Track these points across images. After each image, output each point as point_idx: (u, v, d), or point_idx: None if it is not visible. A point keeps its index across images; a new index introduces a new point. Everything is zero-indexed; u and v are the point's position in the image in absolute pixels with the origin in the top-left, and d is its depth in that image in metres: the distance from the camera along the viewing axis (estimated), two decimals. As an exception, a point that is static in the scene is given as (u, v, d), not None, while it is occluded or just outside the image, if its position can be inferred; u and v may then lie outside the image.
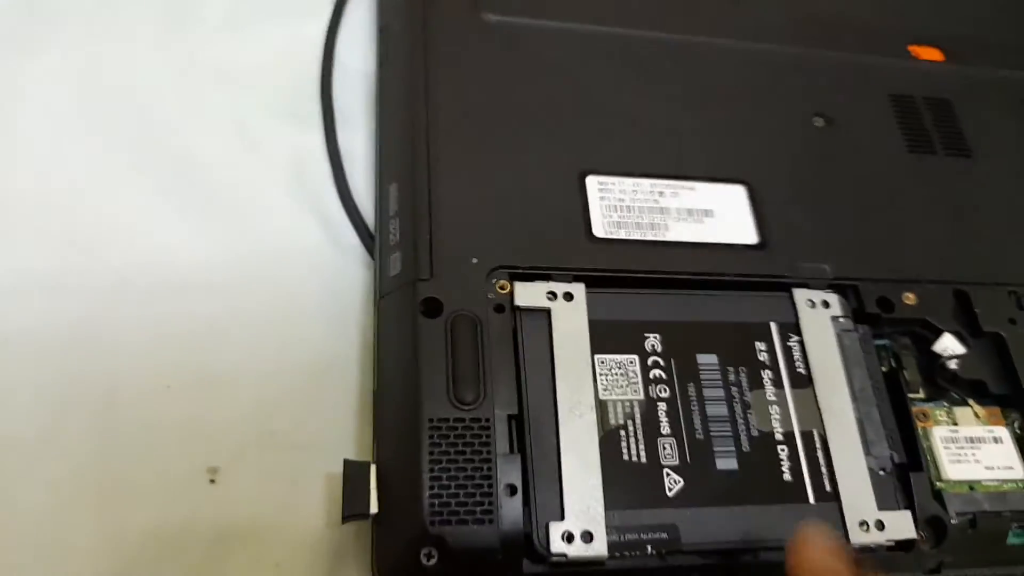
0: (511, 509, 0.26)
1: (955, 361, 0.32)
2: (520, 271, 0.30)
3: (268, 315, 0.32)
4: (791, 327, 0.31)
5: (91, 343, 0.30)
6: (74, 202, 0.33)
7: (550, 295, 0.29)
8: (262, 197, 0.35)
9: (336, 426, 0.30)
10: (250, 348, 0.31)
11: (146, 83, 0.36)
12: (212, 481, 0.28)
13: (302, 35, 0.39)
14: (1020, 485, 0.31)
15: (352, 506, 0.26)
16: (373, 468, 0.27)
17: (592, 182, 0.33)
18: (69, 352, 0.30)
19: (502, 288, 0.29)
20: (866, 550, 0.28)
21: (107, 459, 0.28)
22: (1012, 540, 0.30)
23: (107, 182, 0.34)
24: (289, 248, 0.33)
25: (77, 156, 0.34)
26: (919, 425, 0.31)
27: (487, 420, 0.27)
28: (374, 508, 0.26)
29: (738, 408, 0.29)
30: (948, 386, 0.32)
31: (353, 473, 0.26)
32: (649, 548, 0.26)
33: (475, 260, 0.29)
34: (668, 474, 0.27)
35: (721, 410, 0.29)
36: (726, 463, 0.28)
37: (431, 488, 0.25)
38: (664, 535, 0.27)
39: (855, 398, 0.30)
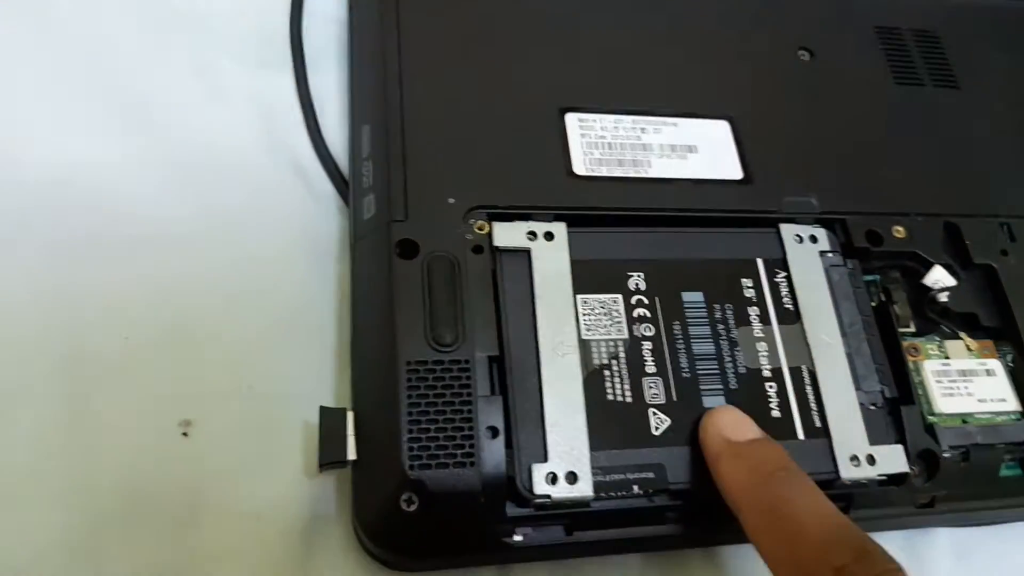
0: (493, 452, 0.25)
1: (946, 294, 0.31)
2: (499, 211, 0.29)
3: (241, 265, 0.31)
4: (778, 263, 0.30)
5: (58, 299, 0.29)
6: (35, 153, 0.32)
7: (530, 235, 0.28)
8: (231, 145, 0.33)
9: (313, 375, 0.29)
10: (223, 299, 0.30)
11: (108, 31, 0.35)
12: (185, 434, 0.28)
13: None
14: (1013, 417, 0.30)
15: (329, 453, 0.25)
16: (350, 414, 0.26)
17: (572, 119, 0.32)
18: (37, 307, 0.29)
19: (480, 228, 0.28)
20: (858, 485, 0.27)
21: (76, 415, 0.27)
22: (1005, 472, 0.30)
23: (70, 133, 0.32)
24: (261, 196, 0.32)
25: (38, 106, 0.33)
26: (910, 359, 0.30)
27: (466, 362, 0.26)
28: (351, 455, 0.25)
29: (725, 345, 0.28)
30: (939, 320, 0.32)
31: (329, 420, 0.26)
32: (635, 488, 0.26)
33: (452, 201, 0.28)
34: (654, 413, 0.27)
35: (707, 348, 0.28)
36: (713, 401, 0.27)
37: (410, 432, 0.25)
38: (650, 474, 0.26)
39: (844, 333, 0.29)
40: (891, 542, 0.30)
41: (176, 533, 0.26)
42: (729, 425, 0.26)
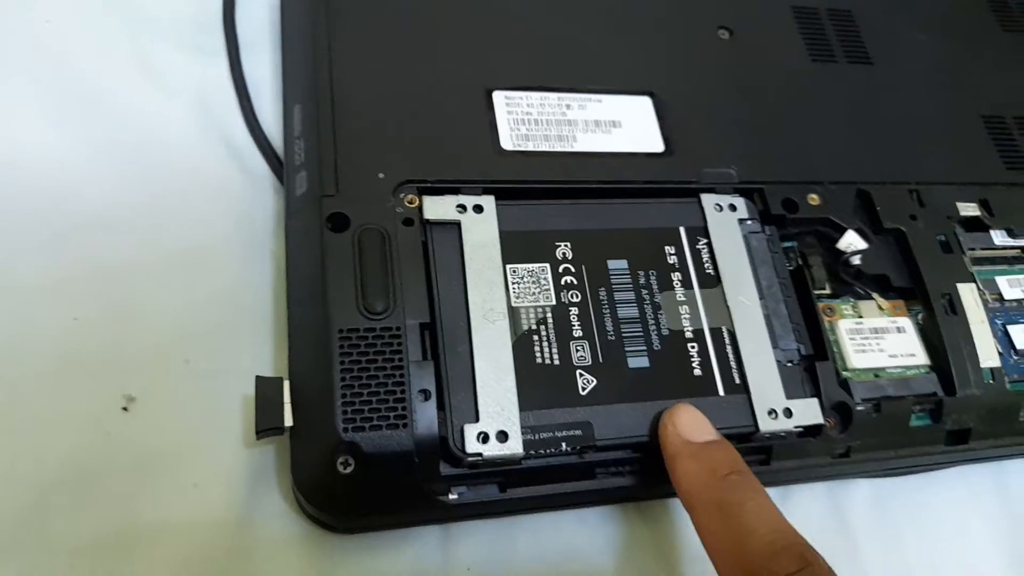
0: (425, 414, 0.26)
1: (858, 256, 0.33)
2: (428, 185, 0.30)
3: (179, 245, 0.31)
4: (700, 231, 0.32)
5: (2, 278, 0.29)
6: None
7: (460, 208, 0.29)
8: (169, 128, 0.34)
9: (251, 351, 0.30)
10: (162, 278, 0.31)
11: (46, 17, 0.35)
12: (125, 409, 0.28)
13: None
14: (922, 371, 0.32)
15: (265, 420, 0.26)
16: (286, 383, 0.27)
17: (499, 96, 0.33)
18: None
19: (410, 202, 0.29)
20: (776, 437, 0.29)
21: (18, 393, 0.28)
22: (915, 422, 0.32)
23: (10, 117, 0.33)
24: (198, 178, 0.33)
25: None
26: (826, 319, 0.32)
27: (398, 328, 0.27)
28: (288, 421, 0.26)
29: (648, 309, 0.30)
30: (852, 281, 0.33)
31: (265, 388, 0.26)
32: (564, 445, 0.27)
33: (382, 175, 0.29)
34: (581, 374, 0.28)
35: (632, 312, 0.30)
36: (638, 361, 0.29)
37: (343, 396, 0.25)
38: (578, 432, 0.27)
39: (762, 296, 0.31)
40: (813, 492, 0.33)
41: (120, 504, 0.27)
42: (687, 425, 0.27)
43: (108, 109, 0.34)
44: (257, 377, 0.27)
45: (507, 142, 0.32)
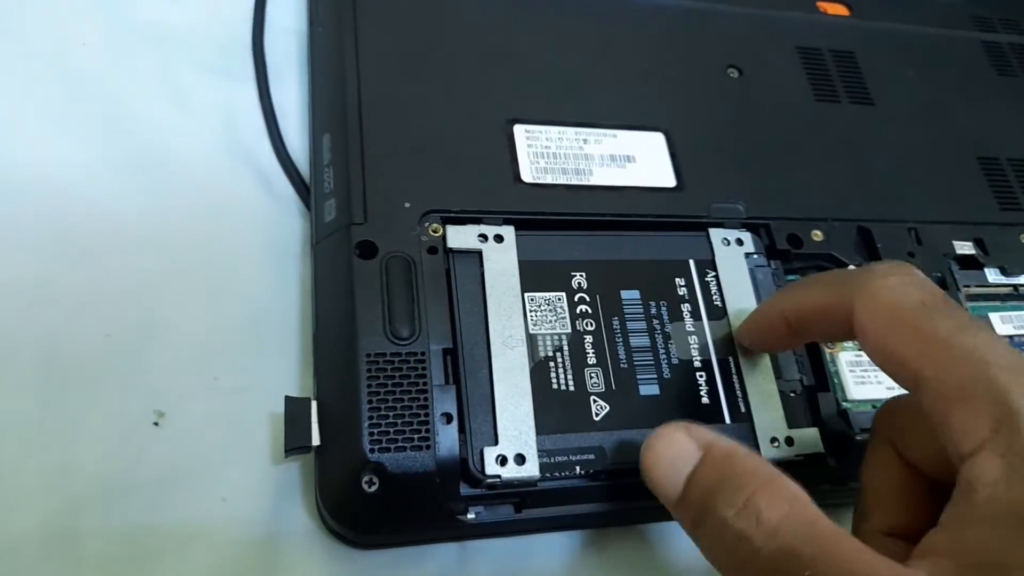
0: (447, 436, 0.27)
1: (859, 292, 0.34)
2: (452, 215, 0.31)
3: (207, 265, 0.32)
4: (708, 264, 0.33)
5: (27, 299, 0.30)
6: (8, 157, 0.33)
7: (481, 237, 0.31)
8: (197, 151, 0.35)
9: (278, 370, 0.31)
10: (190, 297, 0.32)
11: (78, 40, 0.36)
12: (156, 424, 0.29)
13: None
14: (917, 403, 0.33)
15: (294, 439, 0.27)
16: (314, 403, 0.28)
17: (519, 130, 0.34)
18: (4, 309, 0.30)
19: (435, 231, 0.30)
20: (778, 464, 0.30)
21: (50, 407, 0.29)
22: (910, 453, 0.33)
23: (37, 139, 0.34)
24: (227, 200, 0.34)
25: (11, 112, 0.34)
26: (827, 351, 0.33)
27: (422, 353, 0.28)
28: (316, 440, 0.27)
29: (659, 339, 0.31)
30: (853, 315, 0.35)
31: (294, 408, 0.28)
32: (578, 469, 0.28)
33: (408, 205, 0.31)
34: (595, 400, 0.29)
35: (643, 341, 0.31)
36: (649, 389, 0.30)
37: (370, 418, 0.27)
38: (591, 456, 0.28)
39: (767, 327, 0.32)
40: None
41: (149, 516, 0.28)
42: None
43: (138, 131, 0.35)
44: (286, 397, 0.28)
45: (527, 174, 0.33)
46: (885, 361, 0.23)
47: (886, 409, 0.27)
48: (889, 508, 0.25)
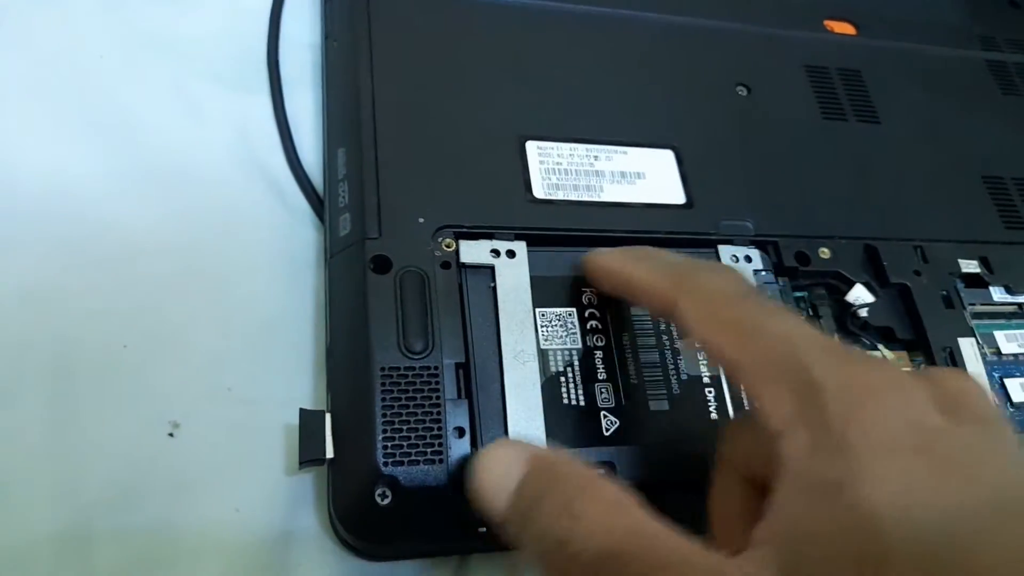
0: (460, 449, 0.28)
1: (865, 309, 0.35)
2: (465, 230, 0.31)
3: (220, 276, 0.33)
4: (717, 280, 0.33)
5: (43, 307, 0.31)
6: (17, 170, 0.33)
7: (493, 252, 0.31)
8: (211, 162, 0.35)
9: (291, 382, 0.31)
10: (204, 308, 0.32)
11: (93, 52, 0.37)
12: (171, 435, 0.29)
13: (243, 8, 0.40)
14: (923, 421, 0.33)
15: (308, 451, 0.27)
16: (328, 416, 0.28)
17: (531, 147, 0.34)
18: (19, 316, 0.30)
19: (448, 246, 0.31)
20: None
21: (64, 417, 0.29)
22: (915, 469, 0.33)
23: (50, 149, 0.34)
24: (240, 211, 0.34)
25: (27, 122, 0.34)
26: (833, 368, 0.34)
27: (435, 368, 0.28)
28: (329, 453, 0.28)
29: (669, 355, 0.31)
30: (859, 332, 0.35)
31: (308, 421, 0.28)
32: (588, 483, 0.28)
33: (421, 220, 0.31)
34: (605, 416, 0.30)
35: (653, 357, 0.31)
36: (658, 404, 0.30)
37: (384, 431, 0.27)
38: (602, 471, 0.29)
39: (775, 344, 0.33)
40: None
41: (163, 526, 0.28)
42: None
43: (153, 142, 0.35)
44: (301, 410, 0.28)
45: (539, 191, 0.33)
46: (706, 349, 0.24)
47: (724, 433, 0.26)
48: (736, 529, 0.24)
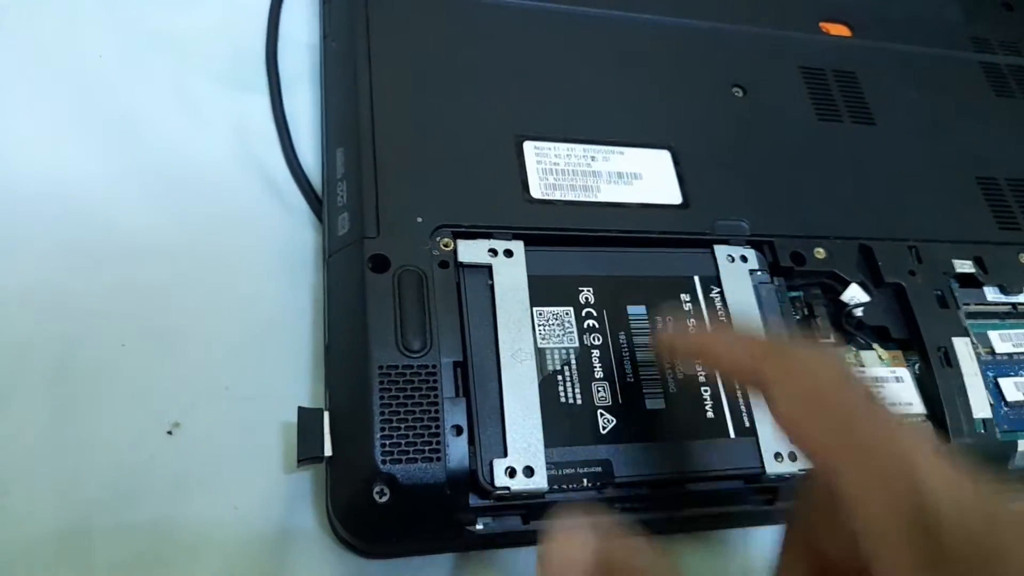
0: (457, 448, 0.28)
1: (860, 309, 0.35)
2: (462, 229, 0.31)
3: (219, 275, 0.33)
4: (713, 280, 0.34)
5: (43, 307, 0.31)
6: (24, 166, 0.33)
7: (491, 252, 0.31)
8: (210, 161, 0.35)
9: (289, 380, 0.32)
10: (202, 307, 0.32)
11: (92, 51, 0.37)
12: (170, 433, 0.30)
13: (242, 7, 0.40)
14: (919, 420, 0.34)
15: (306, 449, 0.28)
16: (326, 414, 0.28)
17: (529, 147, 0.34)
18: (20, 316, 0.31)
19: (446, 245, 0.31)
20: (781, 479, 0.31)
21: (63, 416, 0.29)
22: (910, 468, 0.33)
23: (50, 149, 0.34)
24: (238, 210, 0.35)
25: (27, 122, 0.35)
26: (829, 367, 0.34)
27: (434, 366, 0.28)
28: (328, 451, 0.28)
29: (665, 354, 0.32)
30: (855, 332, 0.35)
31: (307, 419, 0.28)
32: (585, 481, 0.28)
33: (420, 219, 0.31)
34: (602, 414, 0.30)
35: (649, 356, 0.31)
36: (654, 403, 0.30)
37: (382, 430, 0.27)
38: (599, 469, 0.29)
39: (771, 343, 0.33)
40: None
41: (162, 524, 0.28)
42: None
43: (152, 141, 0.36)
44: (299, 408, 0.28)
45: (536, 191, 0.33)
46: (789, 432, 0.21)
47: (798, 501, 0.24)
48: None
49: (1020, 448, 0.34)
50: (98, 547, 0.28)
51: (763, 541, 0.32)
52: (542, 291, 0.31)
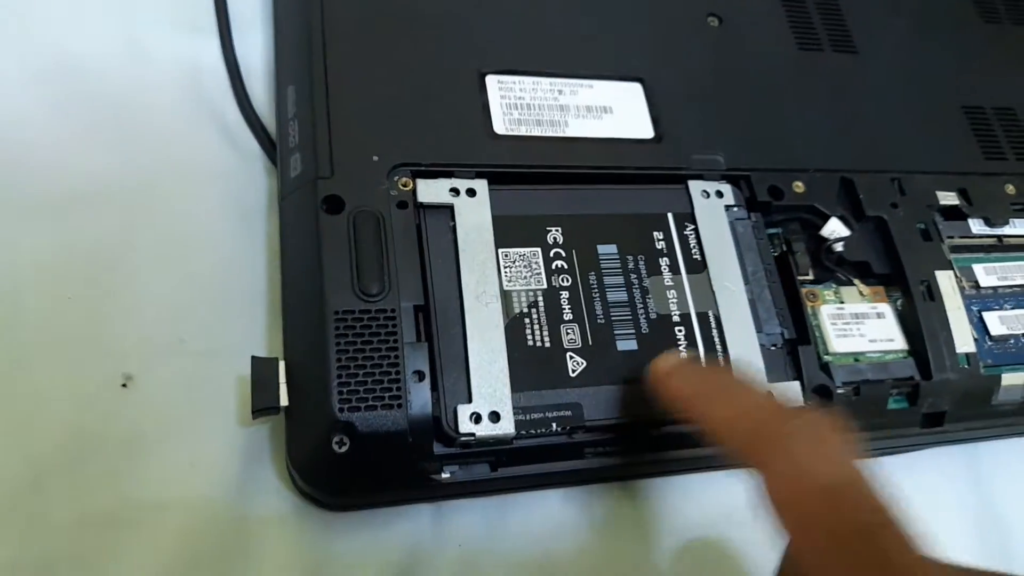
0: (420, 394, 0.27)
1: (841, 244, 0.34)
2: (422, 168, 0.30)
3: (171, 223, 0.32)
4: (687, 217, 0.32)
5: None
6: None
7: (453, 191, 0.30)
8: (160, 105, 0.34)
9: (246, 331, 0.30)
10: (155, 257, 0.31)
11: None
12: (124, 386, 0.28)
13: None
14: (900, 356, 0.33)
15: (261, 400, 0.26)
16: (281, 363, 0.27)
17: (492, 81, 0.33)
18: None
19: (404, 185, 0.30)
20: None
21: (15, 371, 0.28)
22: (892, 405, 0.32)
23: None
24: (190, 156, 0.33)
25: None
26: (808, 304, 0.33)
27: (392, 310, 0.27)
28: (284, 401, 0.27)
29: (637, 293, 0.30)
30: (835, 268, 0.34)
31: (261, 369, 0.27)
32: (554, 426, 0.27)
33: (376, 158, 0.30)
34: (571, 357, 0.29)
35: (621, 296, 0.30)
36: (626, 344, 0.29)
37: (339, 377, 0.26)
38: (568, 413, 0.28)
39: (747, 281, 0.32)
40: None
41: (117, 481, 0.27)
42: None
43: (99, 85, 0.34)
44: (253, 357, 0.27)
45: (500, 126, 0.32)
46: (785, 529, 0.21)
47: None
48: None
49: (1004, 383, 0.33)
50: (54, 505, 0.27)
51: (736, 485, 0.32)
52: (507, 231, 0.30)
